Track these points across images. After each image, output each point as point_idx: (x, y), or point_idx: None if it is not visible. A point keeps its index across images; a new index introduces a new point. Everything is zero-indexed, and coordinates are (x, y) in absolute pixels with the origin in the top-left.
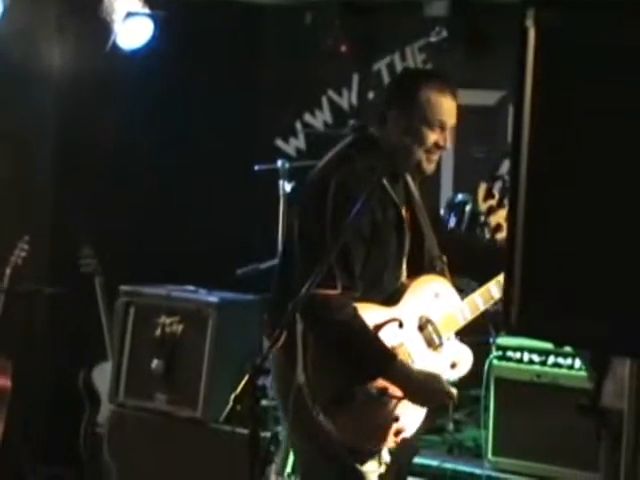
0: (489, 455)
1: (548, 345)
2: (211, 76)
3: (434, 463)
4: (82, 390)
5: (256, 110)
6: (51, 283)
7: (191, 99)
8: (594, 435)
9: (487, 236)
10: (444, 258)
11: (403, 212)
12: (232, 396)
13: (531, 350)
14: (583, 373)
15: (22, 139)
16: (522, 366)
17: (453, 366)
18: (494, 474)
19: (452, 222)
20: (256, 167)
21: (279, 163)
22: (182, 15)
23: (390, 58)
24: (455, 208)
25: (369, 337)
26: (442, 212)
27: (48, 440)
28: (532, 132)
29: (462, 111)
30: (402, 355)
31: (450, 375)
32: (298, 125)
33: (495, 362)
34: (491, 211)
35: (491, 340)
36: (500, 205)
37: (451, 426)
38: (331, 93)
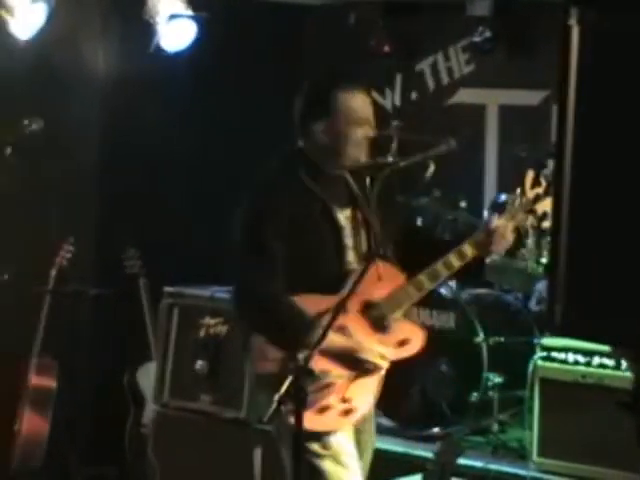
0: (534, 456)
1: (593, 345)
2: (254, 77)
3: (478, 464)
4: (127, 391)
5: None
6: (96, 284)
7: (234, 100)
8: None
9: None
10: (389, 246)
11: (336, 211)
12: (276, 396)
13: (576, 351)
14: (628, 374)
15: (67, 141)
16: (567, 367)
17: (402, 344)
18: (538, 475)
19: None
20: None
21: None
22: (225, 16)
23: (433, 58)
24: (498, 208)
25: (283, 307)
26: (486, 212)
27: (93, 440)
28: (576, 131)
29: (506, 111)
30: (346, 339)
31: (399, 353)
32: None
33: (540, 363)
34: (538, 199)
35: (536, 341)
36: (547, 193)
37: (496, 427)
38: (374, 94)
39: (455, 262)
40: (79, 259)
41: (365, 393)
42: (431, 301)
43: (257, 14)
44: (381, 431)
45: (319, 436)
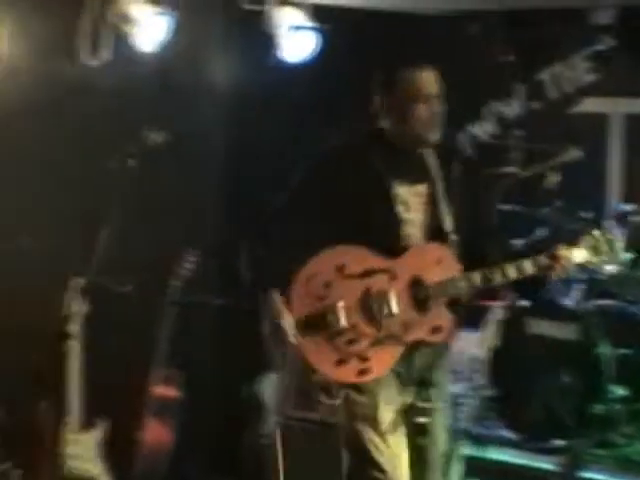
0: None
1: None
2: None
3: (602, 478)
4: (248, 401)
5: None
6: (219, 295)
7: (356, 111)
8: None
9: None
10: (453, 235)
11: (397, 185)
12: (398, 408)
13: None
14: None
15: (189, 153)
16: None
17: (434, 331)
18: None
19: (618, 233)
20: None
21: None
22: (346, 27)
23: (555, 67)
24: (621, 218)
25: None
26: (608, 222)
27: (216, 450)
28: None
29: (630, 120)
30: (377, 303)
31: (428, 337)
32: (462, 136)
33: None
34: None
35: None
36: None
37: (620, 440)
38: (496, 103)
39: (512, 274)
40: (202, 270)
41: (384, 359)
42: (553, 312)
43: (378, 25)
44: (503, 443)
45: (329, 388)
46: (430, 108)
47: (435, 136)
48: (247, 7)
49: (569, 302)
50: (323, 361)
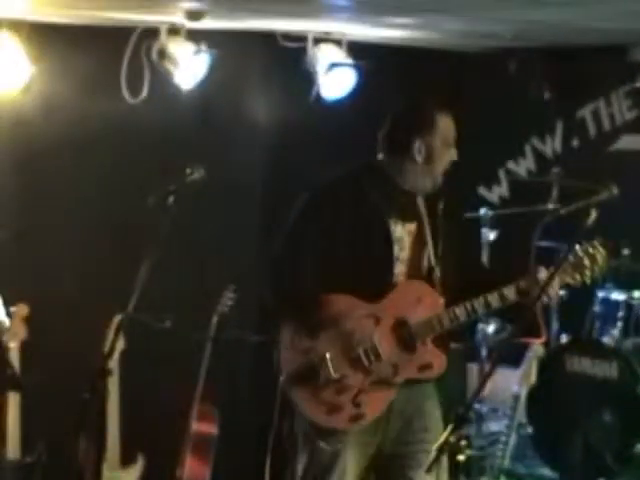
0: None
1: None
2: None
3: None
4: (286, 438)
5: (459, 158)
6: (257, 331)
7: None
8: None
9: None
10: (437, 271)
11: (393, 223)
12: (436, 445)
13: None
14: None
15: (229, 189)
16: None
17: (424, 368)
18: None
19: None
20: None
21: (482, 211)
22: (385, 64)
23: (595, 104)
24: None
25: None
26: None
27: None
28: None
29: None
30: (364, 350)
31: (418, 376)
32: (501, 173)
33: None
34: (594, 260)
35: None
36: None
37: None
38: (535, 140)
39: (494, 302)
40: (240, 306)
41: (377, 403)
42: (593, 349)
43: (416, 61)
44: None
45: (327, 434)
46: (453, 154)
47: (440, 180)
48: (286, 44)
49: (609, 339)
50: (316, 410)
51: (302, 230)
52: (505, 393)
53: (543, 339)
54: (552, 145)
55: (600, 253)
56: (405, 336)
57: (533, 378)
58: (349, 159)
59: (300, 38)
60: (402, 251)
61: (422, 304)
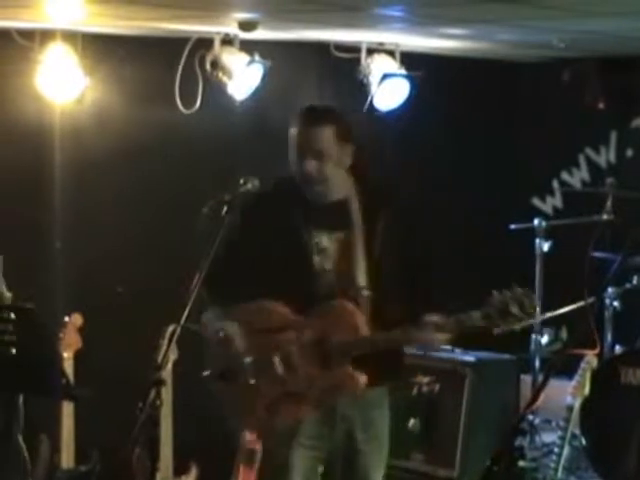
0: None
1: None
2: (467, 134)
3: None
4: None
5: (512, 168)
6: None
7: (447, 158)
8: None
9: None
10: (365, 290)
11: (315, 233)
12: (489, 457)
13: None
14: None
15: None
16: None
17: (337, 388)
18: None
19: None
20: (512, 226)
21: (536, 222)
22: (438, 75)
23: None
24: None
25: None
26: None
27: None
28: None
29: None
30: (282, 359)
31: (332, 395)
32: (555, 183)
33: None
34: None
35: None
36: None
37: None
38: (589, 151)
39: (401, 339)
40: None
41: (290, 414)
42: None
43: (470, 71)
44: None
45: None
46: (312, 165)
47: (330, 189)
48: (339, 55)
49: None
50: (231, 409)
51: (235, 238)
52: (558, 404)
53: (597, 350)
54: (606, 155)
55: (528, 298)
56: (323, 353)
57: (587, 389)
58: (402, 170)
59: (353, 49)
60: (327, 261)
61: (346, 324)
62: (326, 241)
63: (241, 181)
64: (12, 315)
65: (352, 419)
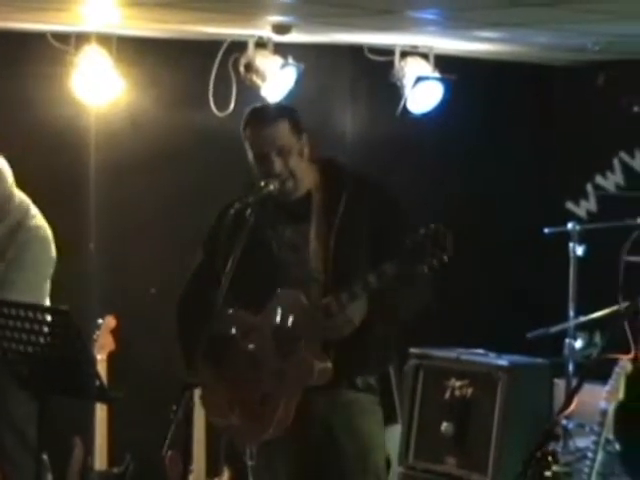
0: None
1: None
2: (500, 138)
3: None
4: None
5: (546, 172)
6: None
7: (481, 161)
8: None
9: None
10: (322, 275)
11: (280, 227)
12: (522, 461)
13: None
14: None
15: None
16: None
17: (306, 375)
18: None
19: None
20: (546, 229)
21: (570, 225)
22: (472, 78)
23: None
24: None
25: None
26: None
27: None
28: None
29: None
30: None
31: (304, 383)
32: (589, 187)
33: None
34: None
35: None
36: None
37: None
38: (623, 154)
39: (372, 280)
40: None
41: (279, 414)
42: None
43: (504, 74)
44: None
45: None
46: (265, 167)
47: (288, 187)
48: (373, 58)
49: None
50: (210, 410)
51: (214, 241)
52: (592, 409)
53: (632, 355)
54: None
55: (441, 233)
56: (284, 344)
57: (621, 394)
58: (436, 173)
59: (387, 51)
60: (296, 253)
61: (302, 310)
62: (290, 234)
63: (262, 184)
64: (47, 317)
65: (332, 423)
